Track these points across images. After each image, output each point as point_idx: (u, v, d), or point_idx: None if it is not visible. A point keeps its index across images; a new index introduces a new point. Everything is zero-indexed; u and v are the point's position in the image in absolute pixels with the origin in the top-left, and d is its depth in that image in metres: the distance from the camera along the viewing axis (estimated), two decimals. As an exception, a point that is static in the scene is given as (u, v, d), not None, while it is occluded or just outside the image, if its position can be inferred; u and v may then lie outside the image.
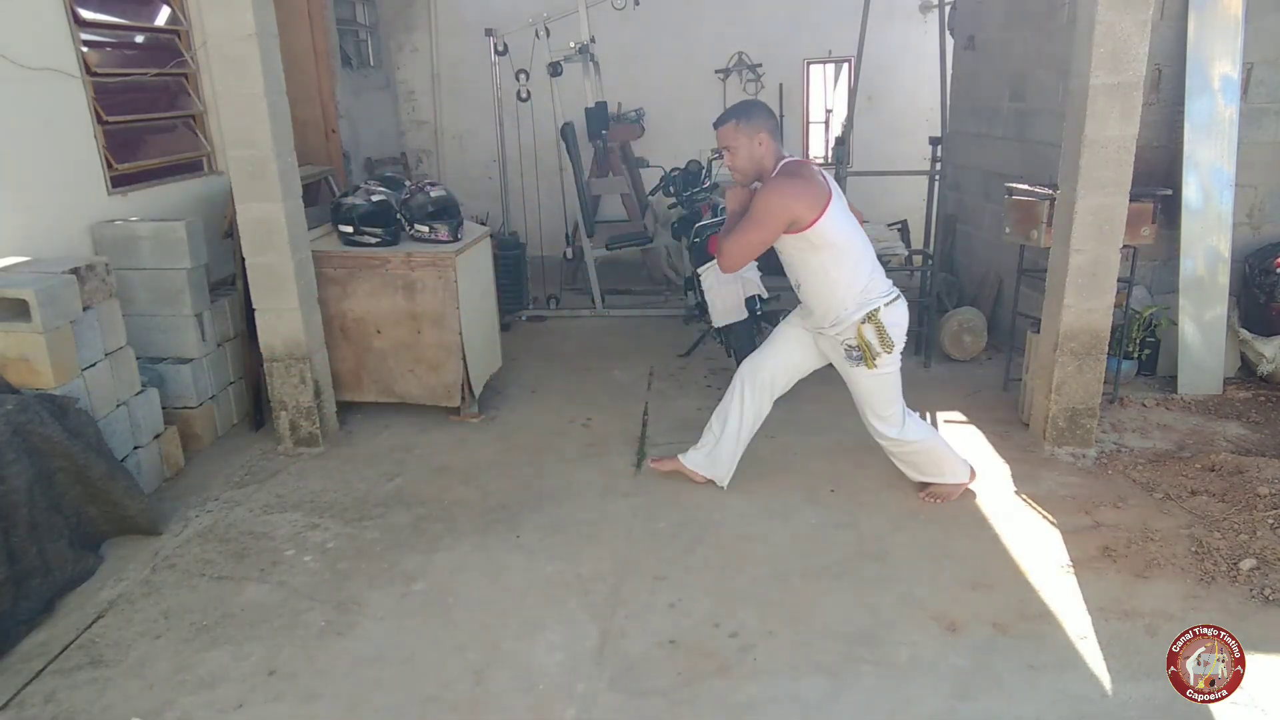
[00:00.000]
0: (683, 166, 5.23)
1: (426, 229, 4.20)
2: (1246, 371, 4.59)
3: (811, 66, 7.79)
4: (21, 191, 3.57)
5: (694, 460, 3.58)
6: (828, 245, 3.04)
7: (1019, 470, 3.71)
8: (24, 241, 3.54)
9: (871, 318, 3.08)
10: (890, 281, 3.21)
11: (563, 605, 2.87)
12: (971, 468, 3.49)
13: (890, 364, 3.18)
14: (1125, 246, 3.77)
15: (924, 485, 3.49)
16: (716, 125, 3.13)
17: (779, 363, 3.43)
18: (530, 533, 3.31)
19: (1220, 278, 4.39)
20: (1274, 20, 4.29)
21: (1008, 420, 4.23)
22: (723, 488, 3.55)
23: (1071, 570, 2.99)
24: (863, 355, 3.12)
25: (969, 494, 3.53)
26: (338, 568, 3.11)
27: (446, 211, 4.24)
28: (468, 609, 2.86)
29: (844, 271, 3.09)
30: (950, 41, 6.00)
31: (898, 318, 3.14)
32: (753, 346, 4.49)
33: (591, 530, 3.30)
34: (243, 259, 3.91)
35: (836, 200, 3.05)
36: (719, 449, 3.52)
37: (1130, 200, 3.59)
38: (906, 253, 5.73)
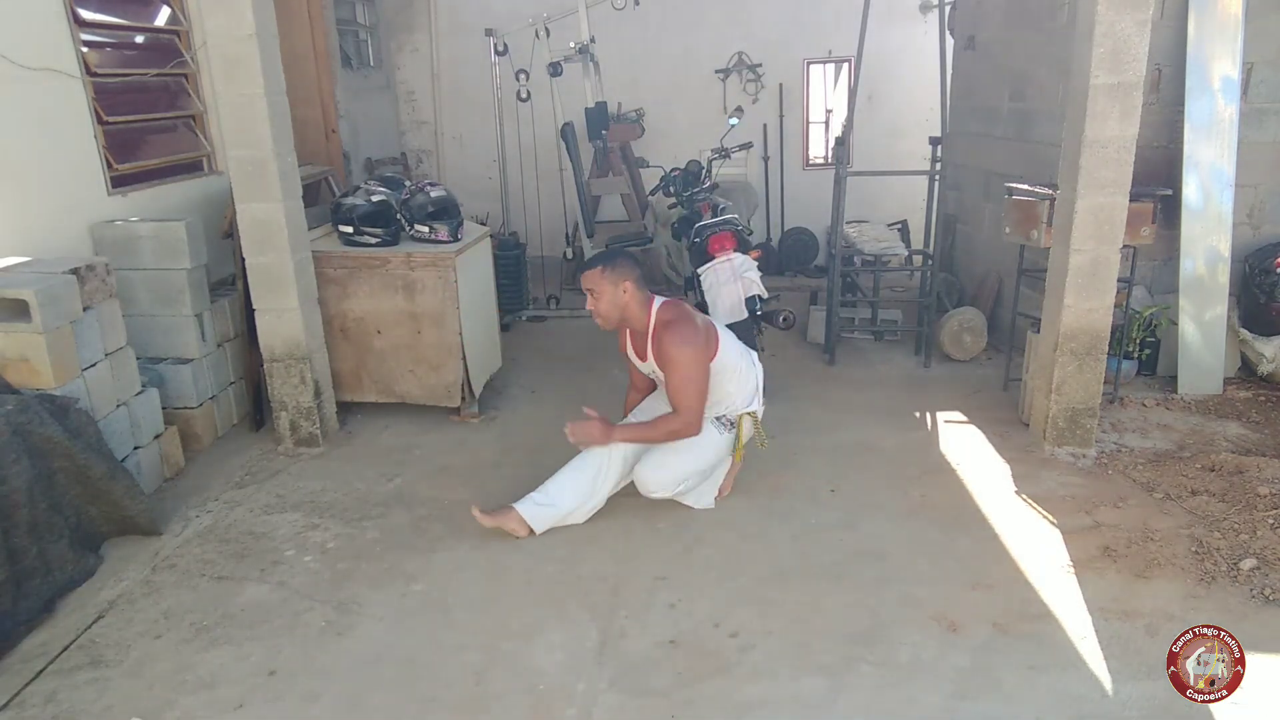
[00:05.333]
0: (683, 166, 5.22)
1: (426, 229, 4.20)
2: (1246, 371, 4.59)
3: (811, 66, 7.78)
4: (22, 191, 3.57)
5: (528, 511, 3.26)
6: (722, 369, 3.27)
7: (1019, 470, 3.72)
8: (24, 241, 3.54)
9: (753, 416, 3.40)
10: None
11: (563, 605, 2.87)
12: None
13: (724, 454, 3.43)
14: (1125, 246, 3.77)
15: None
16: (581, 270, 3.26)
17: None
18: (530, 533, 3.31)
19: (1220, 277, 4.39)
20: (1274, 20, 4.29)
21: (1008, 420, 4.23)
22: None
23: (1072, 570, 2.99)
24: (736, 432, 3.38)
25: (968, 494, 3.53)
26: (338, 568, 3.11)
27: (446, 211, 4.24)
28: (468, 609, 2.86)
29: (734, 385, 3.35)
30: (950, 41, 6.00)
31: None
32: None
33: (591, 530, 3.29)
34: (243, 259, 3.91)
35: (723, 333, 3.35)
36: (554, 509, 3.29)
37: (1130, 200, 3.59)
38: (906, 253, 5.73)
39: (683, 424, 3.18)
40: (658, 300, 3.29)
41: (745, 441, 3.41)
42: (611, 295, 3.17)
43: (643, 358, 3.33)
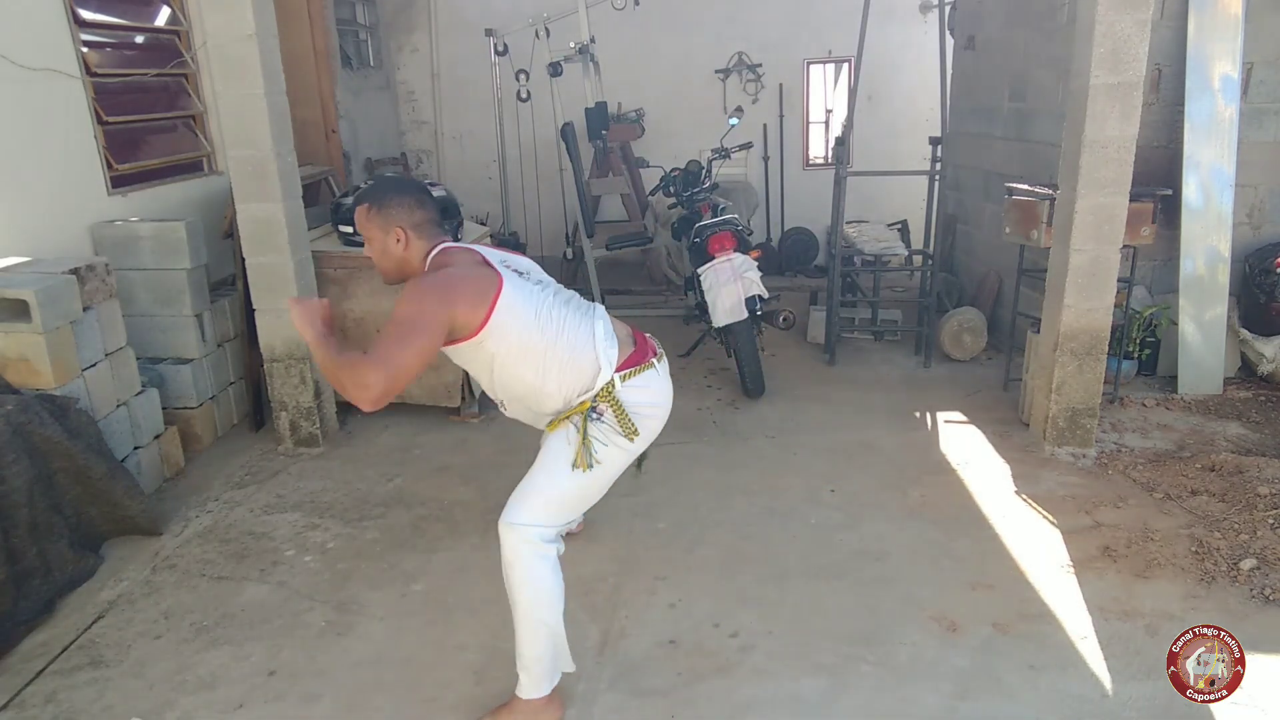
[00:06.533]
0: (683, 167, 5.23)
1: (426, 229, 4.20)
2: (1246, 371, 4.59)
3: (811, 66, 7.78)
4: (22, 191, 3.57)
5: None
6: (510, 346, 2.24)
7: (1019, 470, 3.72)
8: (24, 241, 3.54)
9: (609, 400, 2.30)
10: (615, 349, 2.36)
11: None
12: (549, 694, 2.33)
13: (612, 461, 2.36)
14: (1125, 246, 3.77)
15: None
16: (352, 206, 2.47)
17: None
18: (530, 533, 3.30)
19: (1220, 277, 4.39)
20: (1274, 20, 4.29)
21: (1008, 420, 4.23)
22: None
23: (1071, 570, 2.99)
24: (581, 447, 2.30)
25: (968, 494, 3.53)
26: (338, 568, 3.11)
27: (446, 212, 4.24)
28: (468, 609, 2.86)
29: (548, 369, 2.28)
30: (950, 41, 6.00)
31: (644, 395, 2.38)
32: (753, 347, 4.50)
33: (591, 530, 3.29)
34: (243, 259, 3.91)
35: (510, 282, 2.23)
36: None
37: (1130, 200, 3.59)
38: (906, 253, 5.73)
39: (367, 370, 1.97)
40: (443, 246, 2.30)
41: (591, 442, 2.31)
42: (381, 243, 2.29)
43: None
